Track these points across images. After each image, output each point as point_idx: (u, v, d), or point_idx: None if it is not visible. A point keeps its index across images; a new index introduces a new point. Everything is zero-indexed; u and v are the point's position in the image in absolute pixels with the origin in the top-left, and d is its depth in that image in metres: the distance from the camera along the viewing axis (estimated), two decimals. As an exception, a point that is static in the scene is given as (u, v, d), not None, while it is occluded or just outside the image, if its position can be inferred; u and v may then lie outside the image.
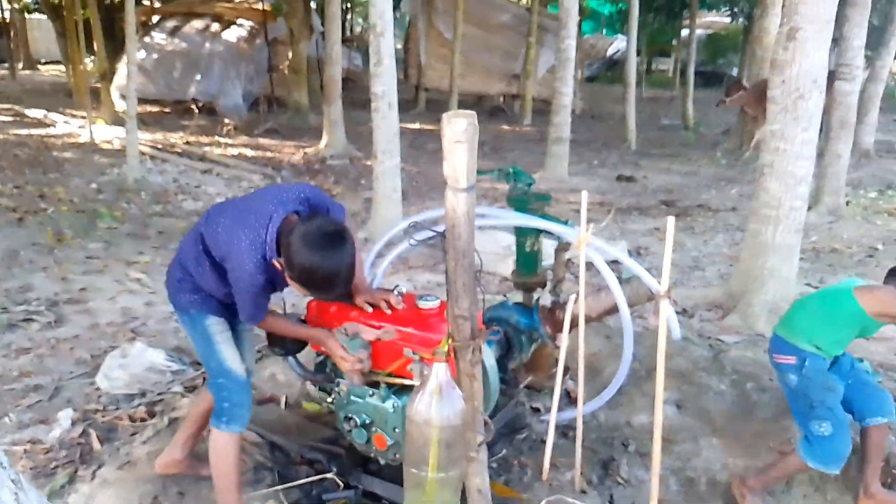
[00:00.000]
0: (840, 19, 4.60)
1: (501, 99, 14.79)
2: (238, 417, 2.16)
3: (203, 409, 2.39)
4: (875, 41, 8.43)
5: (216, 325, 2.16)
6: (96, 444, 2.69)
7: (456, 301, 1.43)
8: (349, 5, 20.52)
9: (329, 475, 2.34)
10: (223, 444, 2.16)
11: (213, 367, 2.18)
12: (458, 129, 1.28)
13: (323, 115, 9.78)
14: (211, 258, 2.05)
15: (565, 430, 2.78)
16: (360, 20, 25.17)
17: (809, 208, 4.57)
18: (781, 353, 2.42)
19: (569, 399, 2.96)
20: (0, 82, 17.42)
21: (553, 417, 2.37)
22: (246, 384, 2.21)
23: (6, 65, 18.74)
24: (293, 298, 2.86)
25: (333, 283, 1.88)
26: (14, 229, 5.53)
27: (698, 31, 16.12)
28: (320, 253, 1.82)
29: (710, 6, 16.59)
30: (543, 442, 2.50)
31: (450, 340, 1.50)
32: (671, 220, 1.87)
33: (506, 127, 12.80)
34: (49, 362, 3.40)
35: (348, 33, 18.69)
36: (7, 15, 18.74)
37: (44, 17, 17.45)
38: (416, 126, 12.18)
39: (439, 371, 1.49)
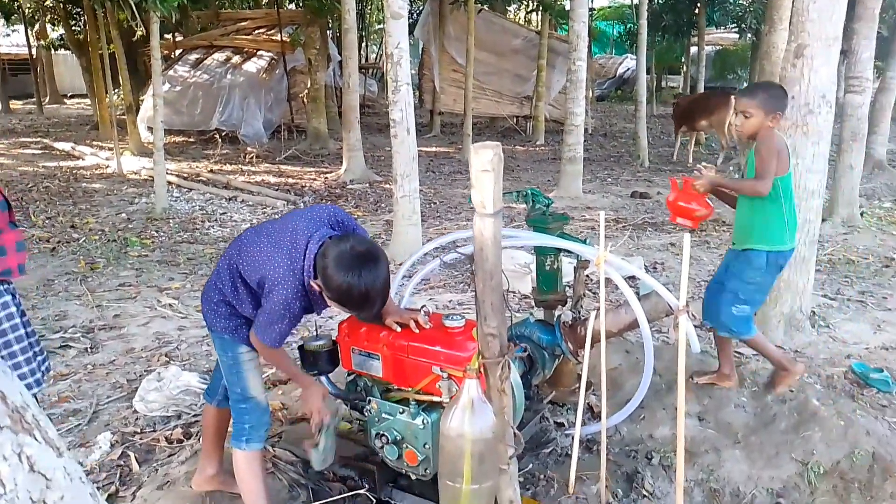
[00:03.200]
0: (848, 32, 4.64)
1: (514, 120, 14.96)
2: (258, 437, 2.24)
3: (211, 421, 2.47)
4: (884, 52, 8.44)
5: (247, 355, 2.22)
6: (135, 466, 2.74)
7: (485, 320, 1.51)
8: (363, 33, 20.93)
9: (361, 491, 2.39)
10: (246, 463, 2.23)
11: (237, 392, 2.24)
12: (485, 158, 1.38)
13: (341, 141, 9.97)
14: (246, 284, 2.10)
15: (589, 444, 2.84)
16: (374, 47, 25.61)
17: (824, 220, 4.59)
18: None
19: (591, 413, 3.02)
20: (28, 116, 17.97)
21: (577, 431, 2.42)
22: (266, 408, 2.28)
23: (33, 99, 19.39)
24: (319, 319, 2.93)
25: (370, 300, 1.94)
26: (48, 259, 5.70)
27: (707, 48, 16.23)
28: (356, 272, 1.88)
29: (718, 23, 16.70)
30: (568, 456, 2.55)
31: (480, 357, 1.58)
32: (687, 236, 1.94)
33: (519, 147, 12.92)
34: (86, 387, 3.48)
35: (363, 61, 19.04)
36: (34, 52, 19.35)
37: (69, 52, 17.99)
38: (432, 149, 12.35)
39: (471, 387, 1.56)
